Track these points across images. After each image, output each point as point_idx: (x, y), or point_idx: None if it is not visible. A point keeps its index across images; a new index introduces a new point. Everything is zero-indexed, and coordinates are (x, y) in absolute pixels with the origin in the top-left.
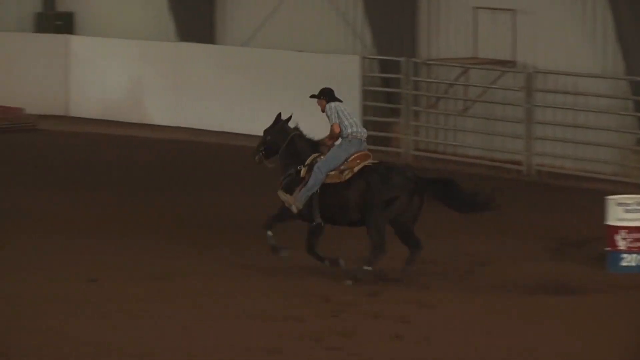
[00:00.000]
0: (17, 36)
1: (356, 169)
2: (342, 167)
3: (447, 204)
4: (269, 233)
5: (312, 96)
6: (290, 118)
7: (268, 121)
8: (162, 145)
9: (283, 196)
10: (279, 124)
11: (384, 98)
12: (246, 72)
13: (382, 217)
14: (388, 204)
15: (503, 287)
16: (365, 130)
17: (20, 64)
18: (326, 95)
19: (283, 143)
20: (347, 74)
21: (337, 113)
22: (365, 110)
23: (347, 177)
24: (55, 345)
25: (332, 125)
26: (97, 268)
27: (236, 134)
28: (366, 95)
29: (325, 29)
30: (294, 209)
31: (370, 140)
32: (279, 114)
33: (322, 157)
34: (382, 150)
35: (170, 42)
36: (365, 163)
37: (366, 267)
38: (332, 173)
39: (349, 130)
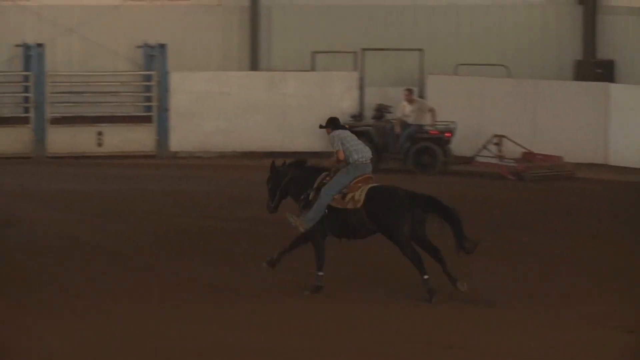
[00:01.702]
0: (557, 84)
1: (357, 195)
2: (344, 191)
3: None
4: None
5: (321, 126)
6: (284, 164)
7: None
8: None
9: (290, 218)
10: (274, 171)
11: None
12: None
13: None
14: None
15: None
16: (369, 153)
17: (560, 112)
18: (331, 124)
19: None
20: None
21: (341, 141)
22: None
23: (349, 206)
24: None
25: (336, 152)
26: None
27: None
28: None
29: None
30: (301, 229)
31: None
32: (273, 162)
33: (328, 178)
34: None
35: None
36: (366, 189)
37: (425, 277)
38: (336, 197)
39: (355, 157)
